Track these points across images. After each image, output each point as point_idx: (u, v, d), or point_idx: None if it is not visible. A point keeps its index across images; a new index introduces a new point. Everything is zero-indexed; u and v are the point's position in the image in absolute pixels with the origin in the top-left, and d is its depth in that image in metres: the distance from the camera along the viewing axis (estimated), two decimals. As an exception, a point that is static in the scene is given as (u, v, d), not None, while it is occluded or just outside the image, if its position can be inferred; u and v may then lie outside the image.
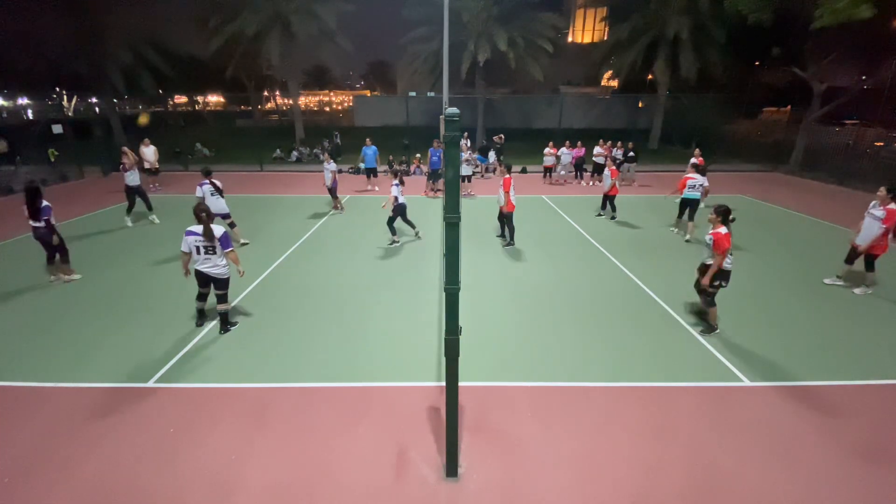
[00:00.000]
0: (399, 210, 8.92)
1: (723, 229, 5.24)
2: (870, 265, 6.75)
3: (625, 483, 3.50)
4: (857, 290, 6.88)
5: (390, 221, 9.02)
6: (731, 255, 5.31)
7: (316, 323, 6.00)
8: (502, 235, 9.33)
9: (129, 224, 10.33)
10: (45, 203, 6.84)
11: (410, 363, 5.06)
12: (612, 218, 11.15)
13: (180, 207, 11.76)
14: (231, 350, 5.34)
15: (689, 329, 5.81)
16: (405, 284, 7.23)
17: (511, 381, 4.77)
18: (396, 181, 8.95)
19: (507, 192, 8.48)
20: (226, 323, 5.73)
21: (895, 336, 5.66)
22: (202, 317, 5.86)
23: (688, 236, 9.37)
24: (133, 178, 10.18)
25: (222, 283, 5.51)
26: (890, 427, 4.10)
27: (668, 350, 5.35)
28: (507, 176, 8.58)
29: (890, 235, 6.49)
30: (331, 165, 11.32)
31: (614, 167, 10.79)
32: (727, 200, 12.30)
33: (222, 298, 5.61)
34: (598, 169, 15.61)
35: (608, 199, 10.99)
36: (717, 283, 5.36)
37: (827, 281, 7.23)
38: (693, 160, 12.19)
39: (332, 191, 11.55)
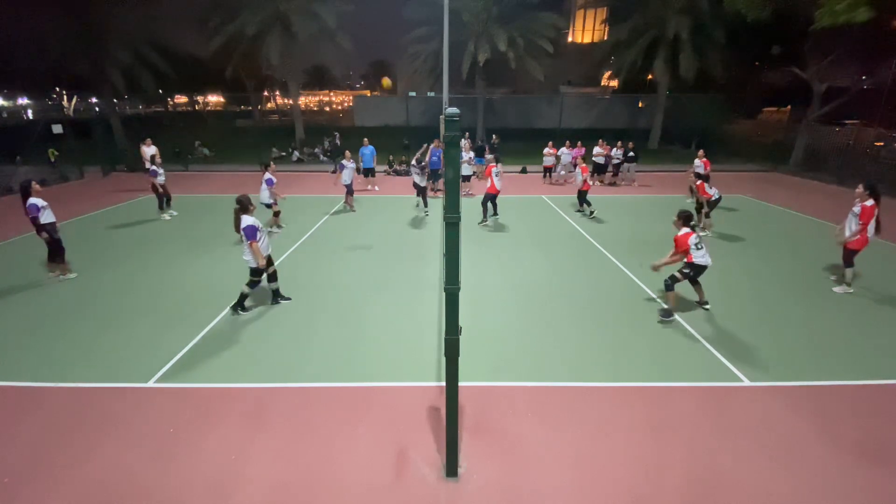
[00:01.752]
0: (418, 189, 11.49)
1: (682, 231, 5.83)
2: (849, 261, 6.76)
3: (625, 483, 3.50)
4: (836, 289, 6.89)
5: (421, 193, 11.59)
6: (699, 248, 5.80)
7: (316, 323, 6.00)
8: (484, 221, 10.48)
9: (166, 218, 11.11)
10: (30, 201, 6.86)
11: (410, 363, 5.06)
12: (591, 214, 11.32)
13: (181, 207, 11.76)
14: (231, 350, 5.33)
15: (689, 329, 5.82)
16: (405, 284, 7.23)
17: (511, 381, 4.77)
18: (418, 168, 11.37)
19: (488, 176, 10.05)
20: (238, 305, 6.10)
21: (894, 336, 5.66)
22: (274, 297, 6.43)
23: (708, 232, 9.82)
24: (162, 177, 11.01)
25: (250, 271, 5.93)
26: (890, 427, 4.10)
27: (668, 350, 5.35)
28: (490, 165, 10.33)
29: (872, 230, 6.55)
30: (352, 164, 11.67)
31: (584, 164, 11.25)
32: (727, 200, 12.33)
33: (250, 283, 6.01)
34: (599, 169, 15.64)
35: (581, 195, 11.31)
36: (686, 271, 5.93)
37: (834, 279, 7.25)
38: (698, 162, 12.14)
39: (349, 188, 11.81)
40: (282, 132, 27.26)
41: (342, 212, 11.85)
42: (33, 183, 7.03)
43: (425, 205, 11.83)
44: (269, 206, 9.75)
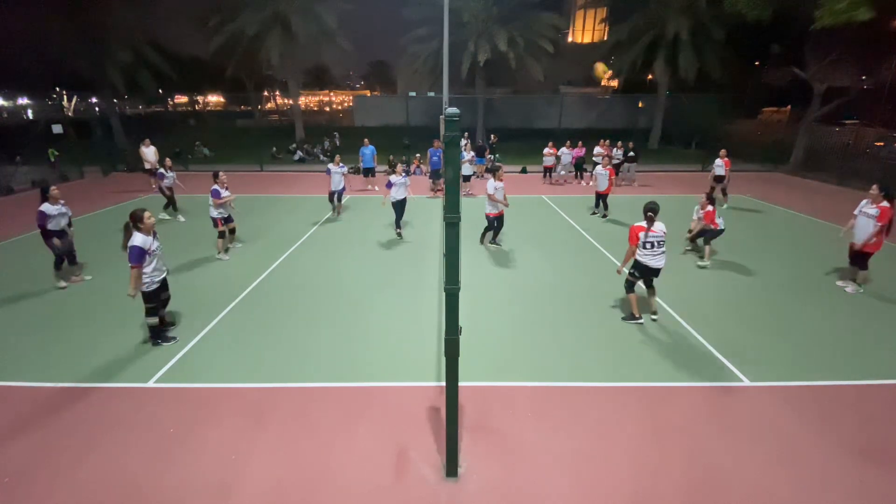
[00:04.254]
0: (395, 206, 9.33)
1: (639, 222, 5.56)
2: (863, 263, 6.76)
3: (625, 483, 3.50)
4: (849, 289, 6.88)
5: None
6: (645, 247, 5.51)
7: (316, 323, 6.00)
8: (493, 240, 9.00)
9: (182, 219, 11.15)
10: (41, 207, 6.74)
11: (410, 363, 5.06)
12: (604, 216, 11.25)
13: (184, 207, 11.76)
14: (231, 350, 5.33)
15: (689, 329, 5.81)
16: (405, 284, 7.23)
17: (511, 381, 4.77)
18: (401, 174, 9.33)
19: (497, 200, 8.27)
20: (154, 337, 5.35)
21: (895, 336, 5.66)
22: (161, 332, 5.43)
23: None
24: (169, 180, 10.95)
25: (143, 297, 5.07)
26: (890, 427, 4.10)
27: (668, 350, 5.35)
28: (497, 174, 8.38)
29: (883, 233, 6.51)
30: (342, 168, 10.96)
31: (611, 167, 10.85)
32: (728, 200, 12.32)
33: (147, 312, 5.20)
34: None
35: (602, 197, 11.17)
36: (631, 271, 5.75)
37: (839, 283, 7.13)
38: (719, 161, 11.80)
39: (339, 195, 11.12)
40: (282, 132, 27.28)
41: (334, 219, 11.26)
42: (52, 189, 6.84)
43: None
44: (214, 223, 8.22)
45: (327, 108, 66.76)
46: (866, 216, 6.55)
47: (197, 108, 48.75)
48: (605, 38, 27.88)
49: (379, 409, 4.33)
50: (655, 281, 5.87)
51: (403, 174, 9.48)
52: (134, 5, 22.00)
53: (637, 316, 5.88)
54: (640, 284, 5.93)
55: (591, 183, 15.06)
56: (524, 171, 18.26)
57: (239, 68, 26.33)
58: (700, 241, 8.20)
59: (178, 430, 4.04)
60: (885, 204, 6.39)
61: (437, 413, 4.23)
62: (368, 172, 14.61)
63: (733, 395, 4.54)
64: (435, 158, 13.74)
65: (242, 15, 21.72)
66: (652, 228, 5.46)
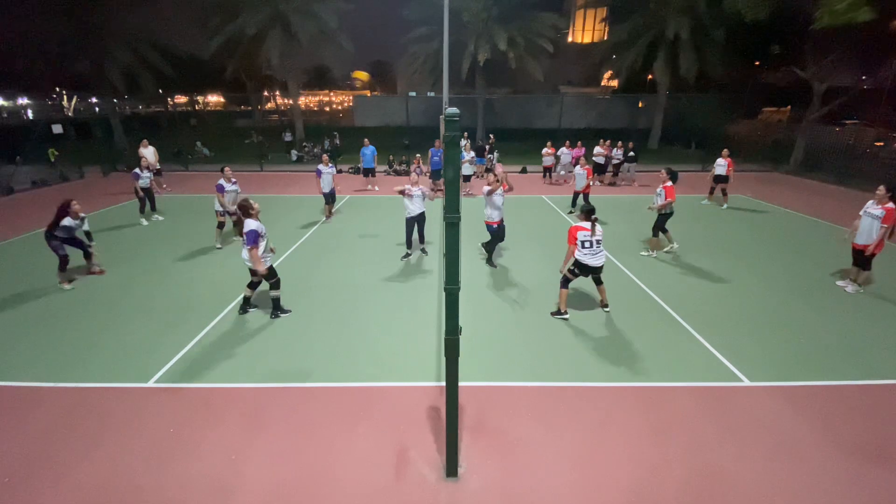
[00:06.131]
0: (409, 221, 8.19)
1: (577, 223, 5.85)
2: (867, 264, 6.75)
3: (625, 483, 3.50)
4: (849, 289, 6.88)
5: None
6: (585, 246, 5.76)
7: (316, 323, 6.00)
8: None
9: (145, 223, 10.65)
10: (64, 222, 6.82)
11: (410, 363, 5.06)
12: (570, 212, 11.50)
13: (181, 207, 11.77)
14: (231, 350, 5.33)
15: (689, 329, 5.81)
16: (405, 284, 7.23)
17: (511, 381, 4.77)
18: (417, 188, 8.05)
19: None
20: (275, 309, 6.10)
21: (895, 336, 5.66)
22: (245, 304, 6.20)
23: (673, 246, 8.65)
24: (144, 181, 10.61)
25: (268, 273, 5.80)
26: (890, 427, 4.10)
27: (668, 350, 5.35)
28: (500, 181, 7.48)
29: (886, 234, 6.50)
30: (332, 168, 10.54)
31: (589, 166, 11.04)
32: (729, 200, 12.31)
33: (271, 286, 5.97)
34: (599, 169, 15.63)
35: (584, 195, 11.17)
36: (571, 269, 5.95)
37: (839, 283, 7.10)
38: (721, 161, 11.86)
39: (331, 196, 10.71)
40: (282, 132, 27.27)
41: (329, 222, 10.95)
42: (73, 203, 6.91)
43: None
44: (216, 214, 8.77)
45: (327, 108, 66.74)
46: (871, 217, 6.53)
47: (197, 108, 48.74)
48: (605, 38, 27.89)
49: (379, 409, 4.33)
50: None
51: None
52: (134, 5, 22.00)
53: (563, 311, 6.05)
54: (597, 282, 6.20)
55: (595, 182, 15.09)
56: (524, 171, 18.26)
57: (239, 68, 26.33)
58: (660, 233, 8.40)
59: (178, 430, 4.04)
60: (890, 205, 6.37)
61: (437, 413, 4.23)
62: (369, 173, 14.62)
63: (733, 395, 4.54)
64: (436, 158, 13.73)
65: (242, 15, 21.70)
66: (589, 229, 5.74)
